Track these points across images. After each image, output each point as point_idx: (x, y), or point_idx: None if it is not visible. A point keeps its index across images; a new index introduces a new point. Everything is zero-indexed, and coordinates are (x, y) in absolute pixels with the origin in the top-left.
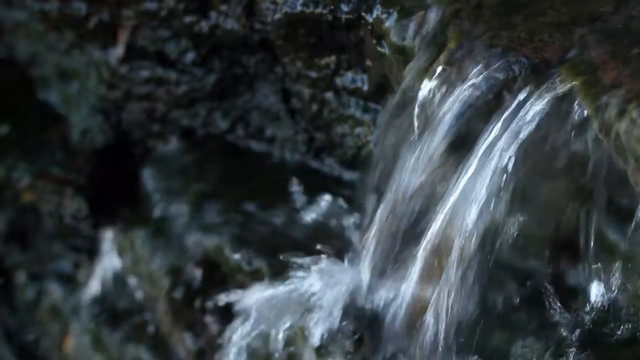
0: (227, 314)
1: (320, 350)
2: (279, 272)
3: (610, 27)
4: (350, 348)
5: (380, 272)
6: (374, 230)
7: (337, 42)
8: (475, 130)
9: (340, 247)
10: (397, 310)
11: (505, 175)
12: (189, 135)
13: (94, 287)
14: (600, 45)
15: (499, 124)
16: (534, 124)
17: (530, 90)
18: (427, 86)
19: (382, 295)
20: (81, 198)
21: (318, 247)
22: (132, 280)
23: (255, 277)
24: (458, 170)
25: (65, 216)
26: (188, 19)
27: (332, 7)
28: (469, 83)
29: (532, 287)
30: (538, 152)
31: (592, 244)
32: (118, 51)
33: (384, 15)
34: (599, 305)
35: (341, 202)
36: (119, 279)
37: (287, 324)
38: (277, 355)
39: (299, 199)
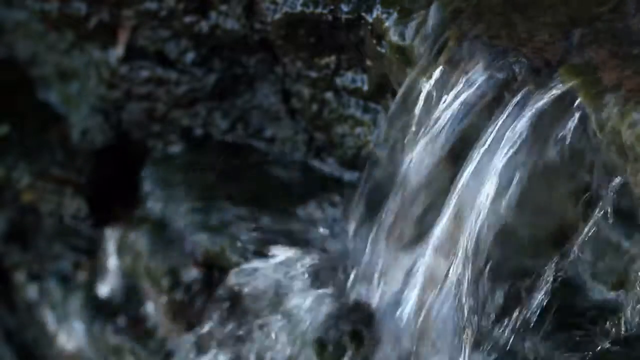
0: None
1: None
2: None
3: (610, 27)
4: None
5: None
6: (375, 231)
7: (337, 42)
8: (475, 130)
9: (340, 247)
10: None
11: (505, 176)
12: (189, 135)
13: (93, 287)
14: (600, 45)
15: (499, 124)
16: (534, 124)
17: (530, 90)
18: (427, 86)
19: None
20: (81, 198)
21: (318, 246)
22: (132, 280)
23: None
24: (458, 171)
25: (65, 216)
26: (188, 19)
27: (332, 7)
28: (469, 83)
29: (532, 287)
30: (538, 152)
31: (592, 244)
32: (118, 51)
33: (384, 15)
34: (599, 305)
35: (341, 202)
36: (118, 278)
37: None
38: None
39: (299, 199)
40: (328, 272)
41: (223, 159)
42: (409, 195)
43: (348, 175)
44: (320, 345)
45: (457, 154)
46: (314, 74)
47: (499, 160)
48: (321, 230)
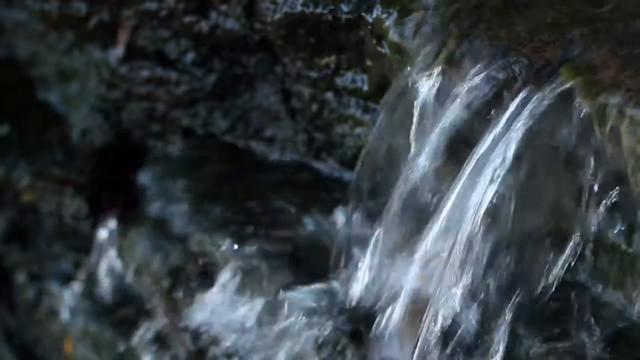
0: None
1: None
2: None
3: (610, 27)
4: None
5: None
6: (375, 231)
7: (337, 42)
8: (475, 130)
9: (340, 246)
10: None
11: (505, 175)
12: (189, 135)
13: (93, 287)
14: (600, 45)
15: (499, 124)
16: (534, 124)
17: (530, 90)
18: (427, 86)
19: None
20: (81, 198)
21: (318, 247)
22: (132, 280)
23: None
24: (458, 171)
25: (65, 216)
26: (188, 19)
27: (332, 7)
28: (469, 83)
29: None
30: (538, 152)
31: (592, 244)
32: (118, 51)
33: (384, 15)
34: (598, 305)
35: (341, 202)
36: (119, 278)
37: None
38: None
39: (299, 199)
40: (328, 272)
41: (223, 159)
42: (409, 196)
43: (348, 175)
44: (319, 345)
45: (456, 154)
46: (314, 74)
47: (499, 160)
48: (321, 230)
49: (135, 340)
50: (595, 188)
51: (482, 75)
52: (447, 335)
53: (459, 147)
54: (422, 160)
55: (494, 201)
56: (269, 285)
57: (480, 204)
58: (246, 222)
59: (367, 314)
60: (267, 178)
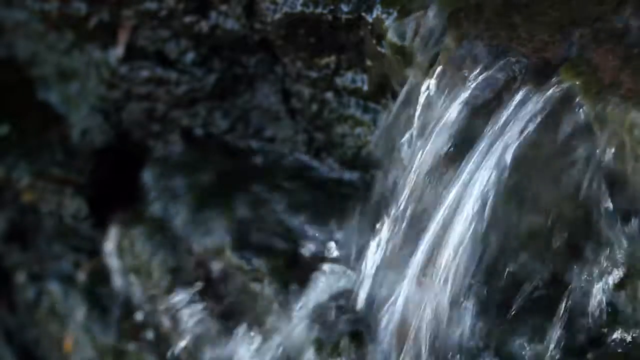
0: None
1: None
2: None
3: (610, 27)
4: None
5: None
6: (376, 231)
7: (337, 42)
8: (475, 130)
9: (340, 246)
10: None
11: (505, 175)
12: (189, 135)
13: (94, 287)
14: (600, 45)
15: (499, 124)
16: (534, 124)
17: (530, 90)
18: (427, 86)
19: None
20: (81, 198)
21: (318, 247)
22: (132, 280)
23: (255, 276)
24: (458, 170)
25: (65, 216)
26: (188, 19)
27: (332, 7)
28: (469, 83)
29: (531, 287)
30: (538, 152)
31: (592, 245)
32: (118, 51)
33: (384, 15)
34: (598, 305)
35: (341, 202)
36: (119, 278)
37: None
38: None
39: (299, 198)
40: (328, 272)
41: (223, 159)
42: (409, 196)
43: (348, 175)
44: (319, 345)
45: (457, 154)
46: (314, 74)
47: (499, 160)
48: (321, 230)
49: (135, 340)
50: (595, 188)
51: (482, 75)
52: (437, 340)
53: (459, 147)
54: (422, 160)
55: (492, 202)
56: (269, 286)
57: (477, 203)
58: (246, 223)
59: (367, 316)
60: (267, 178)
